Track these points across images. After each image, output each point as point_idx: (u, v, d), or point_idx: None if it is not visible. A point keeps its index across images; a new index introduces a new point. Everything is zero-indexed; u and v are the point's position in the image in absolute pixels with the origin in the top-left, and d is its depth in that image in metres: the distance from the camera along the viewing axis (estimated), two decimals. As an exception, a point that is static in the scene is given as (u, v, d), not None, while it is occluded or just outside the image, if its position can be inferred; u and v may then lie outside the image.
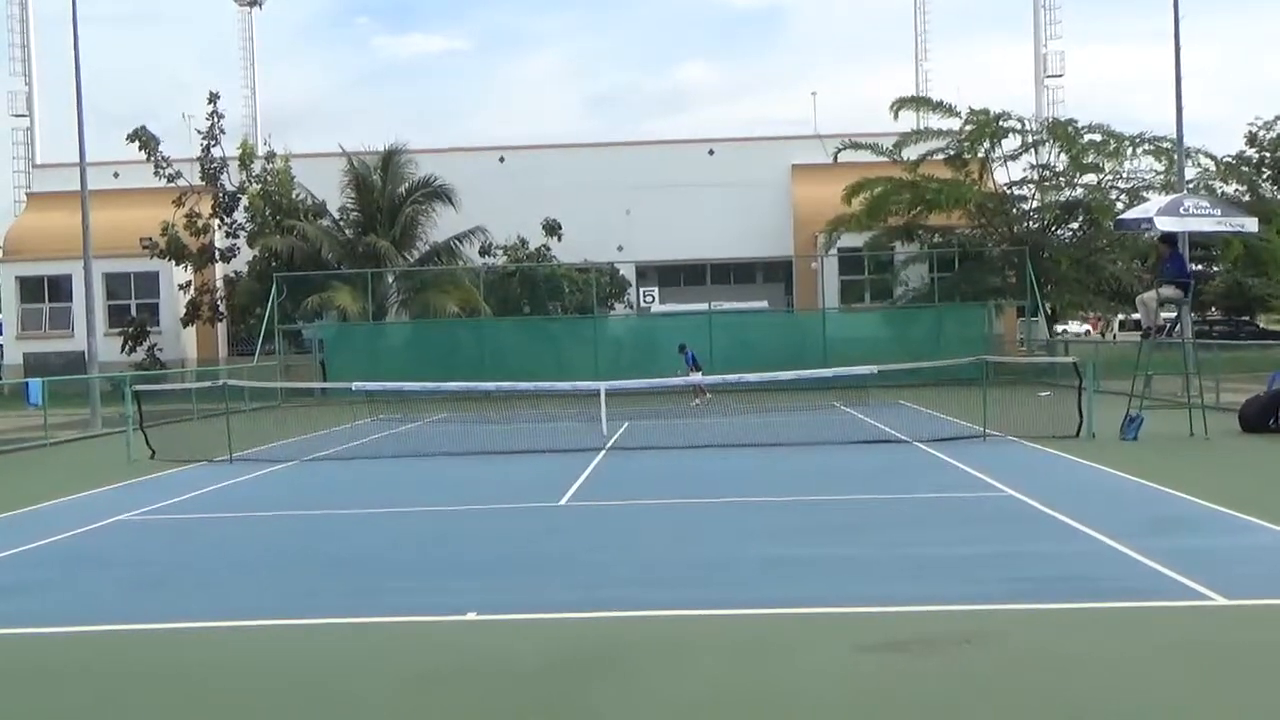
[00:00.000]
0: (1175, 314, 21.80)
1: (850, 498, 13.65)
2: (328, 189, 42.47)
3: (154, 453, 19.95)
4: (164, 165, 41.24)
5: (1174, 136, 31.39)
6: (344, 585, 9.62)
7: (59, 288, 46.68)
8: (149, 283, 46.10)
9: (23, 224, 49.12)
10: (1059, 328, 45.44)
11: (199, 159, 41.91)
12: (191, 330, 44.91)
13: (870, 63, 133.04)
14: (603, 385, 22.24)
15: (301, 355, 41.03)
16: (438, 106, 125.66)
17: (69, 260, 40.55)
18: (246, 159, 42.14)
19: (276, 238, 40.42)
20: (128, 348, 42.40)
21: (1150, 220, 19.76)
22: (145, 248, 41.25)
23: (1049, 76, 53.95)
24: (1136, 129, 41.46)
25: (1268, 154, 52.19)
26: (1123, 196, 38.66)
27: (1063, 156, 39.67)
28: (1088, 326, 77.05)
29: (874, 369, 22.12)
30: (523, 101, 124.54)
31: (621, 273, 45.29)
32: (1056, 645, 7.21)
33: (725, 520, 12.28)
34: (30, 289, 47.38)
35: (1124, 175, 39.60)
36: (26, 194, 51.45)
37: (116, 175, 45.64)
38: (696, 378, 28.28)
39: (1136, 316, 30.87)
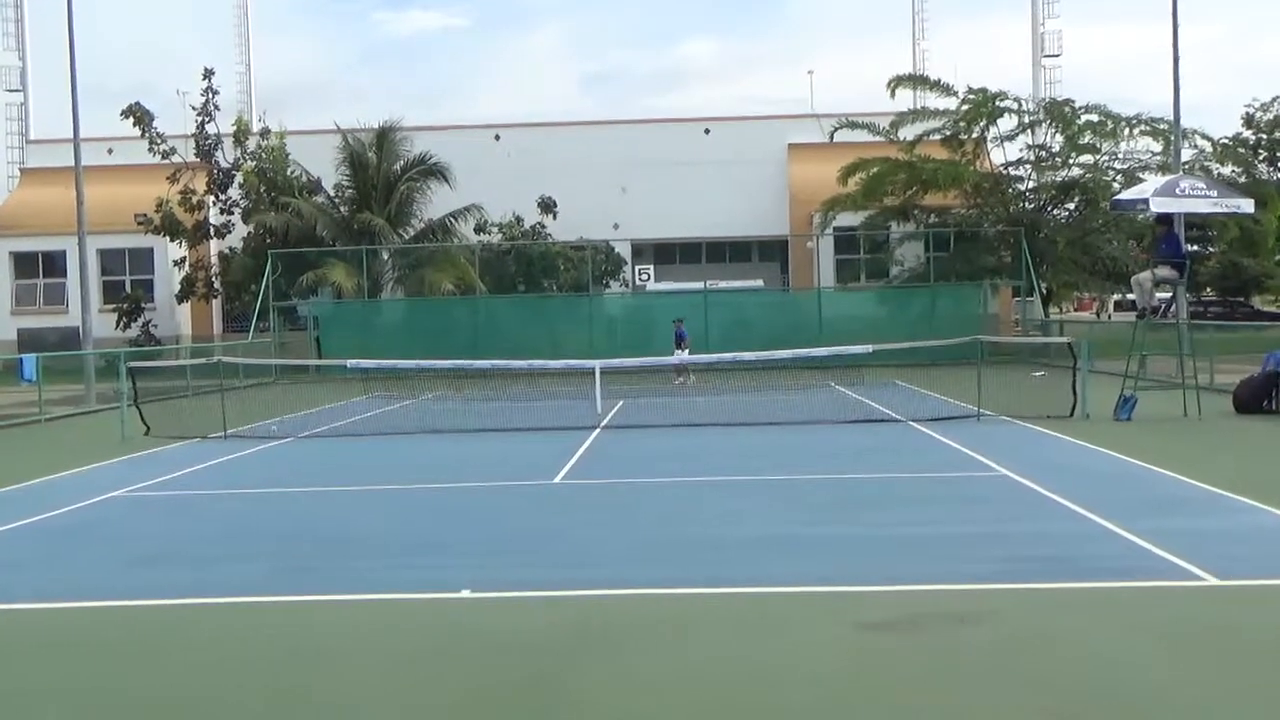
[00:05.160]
0: (1170, 295, 21.82)
1: (844, 477, 13.66)
2: (323, 166, 42.36)
3: (148, 429, 19.93)
4: (158, 141, 41.12)
5: (1171, 117, 31.35)
6: (337, 562, 9.62)
7: (53, 263, 46.60)
8: (143, 259, 46.05)
9: (17, 199, 48.98)
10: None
11: (194, 135, 41.81)
12: (186, 307, 44.90)
13: (868, 42, 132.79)
14: (597, 363, 22.24)
15: (296, 332, 41.06)
16: (435, 84, 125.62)
17: (63, 236, 40.41)
18: (241, 135, 42.03)
19: (271, 214, 40.37)
20: (122, 324, 42.39)
21: (1146, 201, 19.74)
22: (140, 224, 41.16)
23: (1046, 56, 53.88)
24: (1133, 109, 41.61)
25: (1264, 136, 52.15)
26: (1119, 177, 38.66)
27: (1059, 137, 39.71)
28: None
29: (869, 348, 22.12)
30: (520, 79, 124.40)
31: (617, 251, 45.27)
32: (1049, 625, 7.24)
33: (719, 499, 12.29)
34: (24, 264, 47.29)
35: (1120, 156, 39.65)
36: (20, 169, 51.31)
37: (111, 151, 45.54)
38: (681, 355, 28.24)
39: (1132, 297, 30.87)
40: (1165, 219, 19.88)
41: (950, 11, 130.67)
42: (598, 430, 18.95)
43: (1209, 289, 61.11)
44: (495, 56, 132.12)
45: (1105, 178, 38.78)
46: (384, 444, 18.43)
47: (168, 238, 41.93)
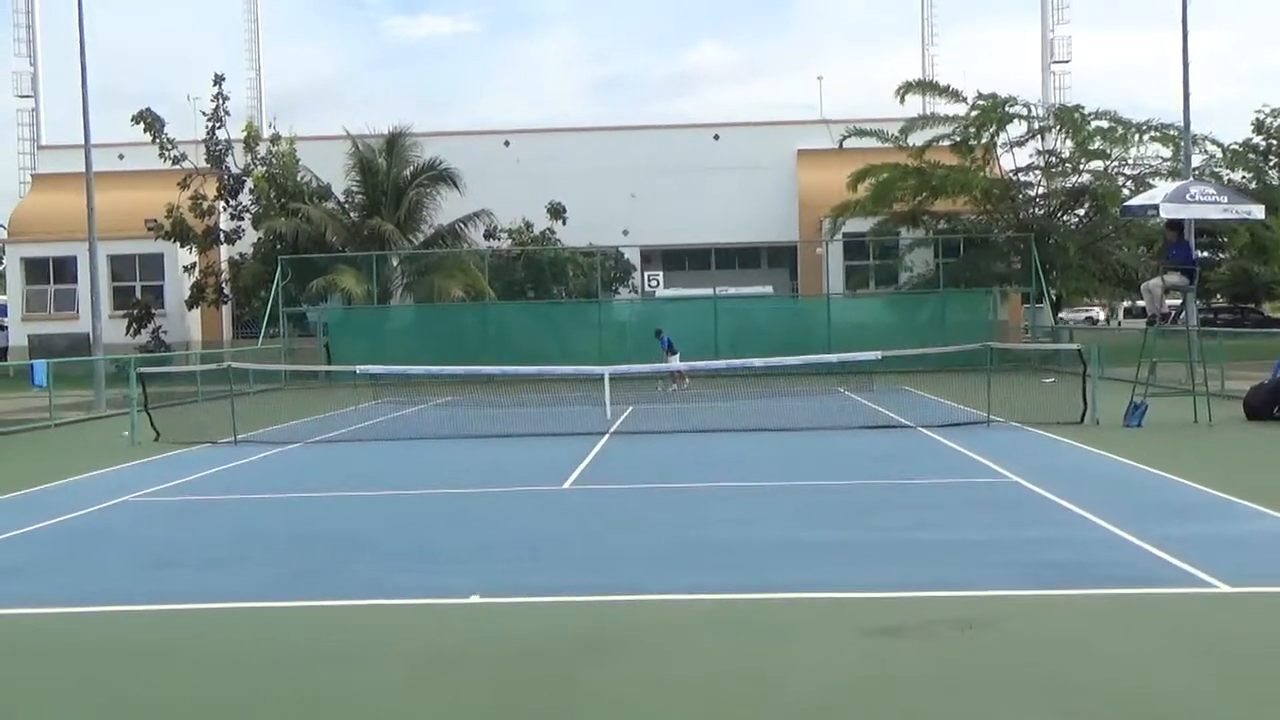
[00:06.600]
0: (1180, 301, 21.78)
1: (854, 483, 13.65)
2: (332, 171, 42.45)
3: (158, 434, 19.99)
4: (169, 147, 41.21)
5: (1181, 123, 31.30)
6: (346, 567, 9.63)
7: (64, 269, 46.72)
8: (154, 265, 46.15)
9: (28, 205, 49.12)
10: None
11: (204, 141, 41.94)
12: (196, 313, 45.02)
13: (877, 47, 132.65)
14: (606, 369, 22.23)
15: (306, 338, 41.08)
16: (445, 89, 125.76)
17: (74, 242, 40.66)
18: (251, 141, 42.13)
19: (281, 220, 40.43)
20: (132, 330, 42.46)
21: (1156, 207, 19.70)
22: (150, 229, 41.24)
23: (1055, 62, 53.67)
24: (1143, 115, 41.50)
25: (1275, 141, 52.00)
26: (1129, 183, 38.57)
27: (1069, 143, 39.60)
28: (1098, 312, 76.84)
29: (879, 354, 22.12)
30: (530, 85, 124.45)
31: (626, 257, 45.30)
32: (1058, 631, 7.22)
33: (729, 504, 12.28)
34: (35, 270, 47.44)
35: (1130, 162, 39.55)
36: (31, 175, 51.44)
37: (121, 157, 45.70)
38: (674, 363, 28.31)
39: (1142, 303, 30.82)
40: (1176, 225, 19.84)
41: (959, 17, 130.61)
42: (607, 436, 18.95)
43: (1219, 295, 60.98)
44: (505, 62, 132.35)
45: (1115, 183, 38.69)
46: (393, 449, 18.45)
47: (178, 243, 42.03)
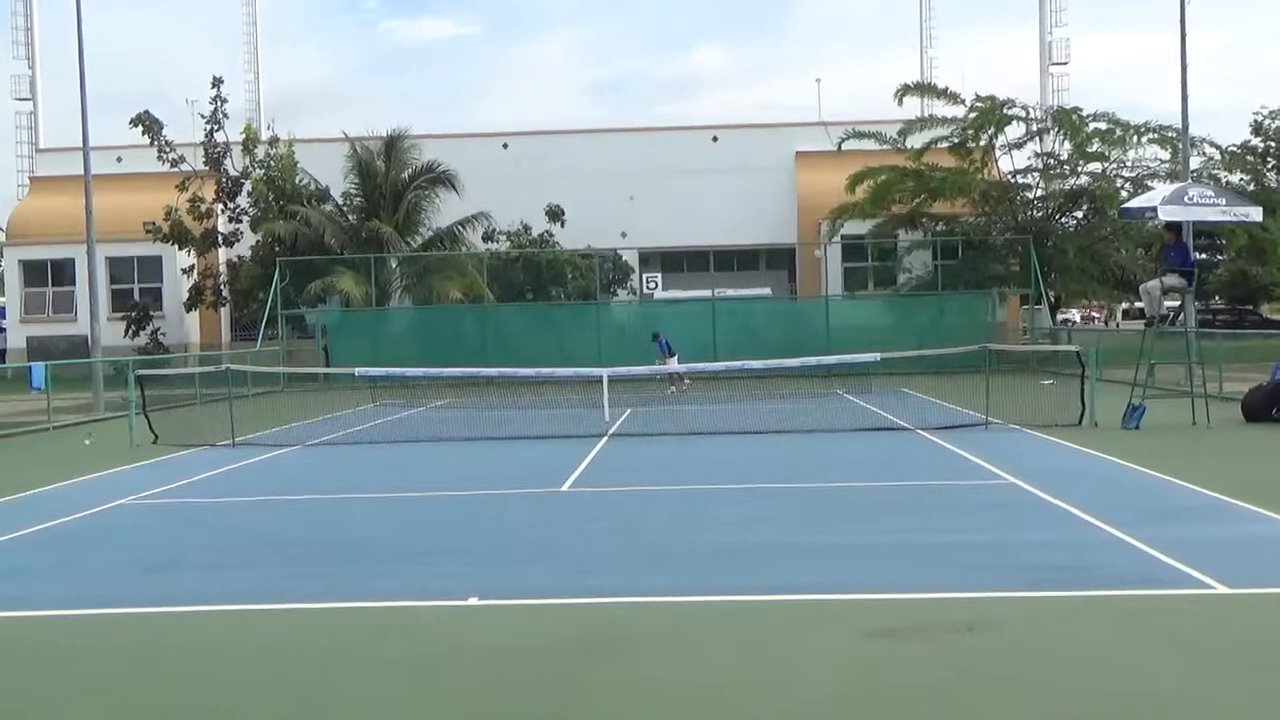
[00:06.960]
0: (1178, 303, 21.78)
1: (852, 484, 13.65)
2: (331, 174, 42.45)
3: (156, 437, 19.97)
4: (167, 150, 41.22)
5: (1179, 125, 31.32)
6: (345, 570, 9.62)
7: (62, 272, 46.74)
8: (152, 267, 46.17)
9: (26, 208, 49.13)
10: (1061, 315, 45.32)
11: (203, 143, 41.92)
12: (194, 315, 45.02)
13: (876, 50, 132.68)
14: (605, 371, 22.22)
15: (305, 340, 41.10)
16: (444, 91, 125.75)
17: (72, 244, 40.70)
18: (250, 144, 42.14)
19: (280, 223, 40.42)
20: (131, 332, 42.47)
21: (1154, 209, 19.71)
22: (148, 232, 41.27)
23: (1054, 64, 53.73)
24: (1141, 117, 41.50)
25: (1273, 144, 52.01)
26: (1127, 185, 38.59)
27: (1067, 145, 39.60)
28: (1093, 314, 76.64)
29: (877, 356, 22.13)
30: (529, 87, 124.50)
31: (624, 259, 45.28)
32: (1057, 633, 7.21)
33: (727, 507, 12.28)
34: (33, 273, 47.47)
35: (1129, 164, 39.56)
36: (30, 178, 51.45)
37: (120, 159, 45.66)
38: (672, 364, 28.32)
39: (1140, 305, 30.81)
40: (1174, 227, 19.84)
41: (958, 20, 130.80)
42: (605, 438, 18.95)
43: (1217, 297, 61.01)
44: (504, 64, 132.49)
45: (1114, 185, 38.71)
46: (392, 452, 18.44)
47: (176, 246, 42.06)
